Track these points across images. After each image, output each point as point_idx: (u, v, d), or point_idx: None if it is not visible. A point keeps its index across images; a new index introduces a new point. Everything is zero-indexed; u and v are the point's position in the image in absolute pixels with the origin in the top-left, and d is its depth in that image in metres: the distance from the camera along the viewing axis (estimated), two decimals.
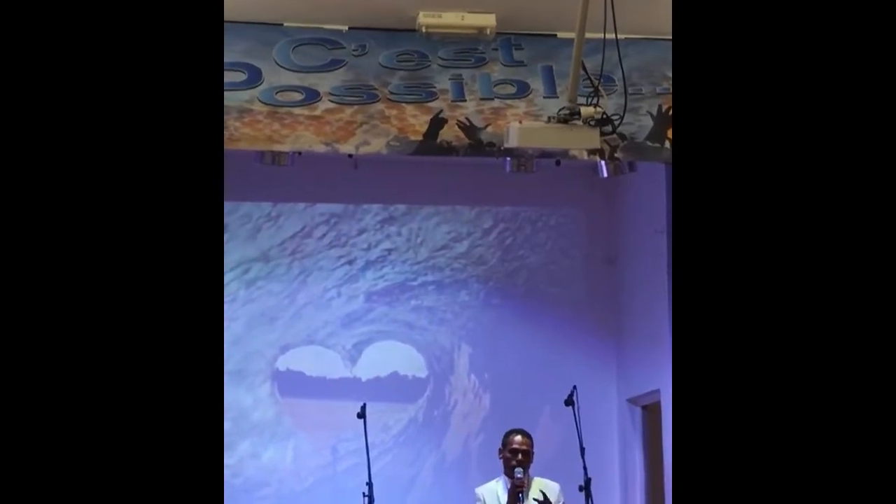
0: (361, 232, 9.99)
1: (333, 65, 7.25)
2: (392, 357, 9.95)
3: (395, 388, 9.90)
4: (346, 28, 7.27)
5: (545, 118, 6.72)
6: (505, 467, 7.90)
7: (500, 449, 7.97)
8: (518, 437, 7.90)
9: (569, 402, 7.68)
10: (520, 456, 7.82)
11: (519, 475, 7.74)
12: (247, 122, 7.14)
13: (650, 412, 9.65)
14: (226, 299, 9.44)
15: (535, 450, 7.92)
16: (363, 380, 9.88)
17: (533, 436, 7.97)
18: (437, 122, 7.28)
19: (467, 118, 7.31)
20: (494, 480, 7.98)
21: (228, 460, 9.32)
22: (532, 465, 7.88)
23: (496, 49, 7.36)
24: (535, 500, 7.72)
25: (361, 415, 8.02)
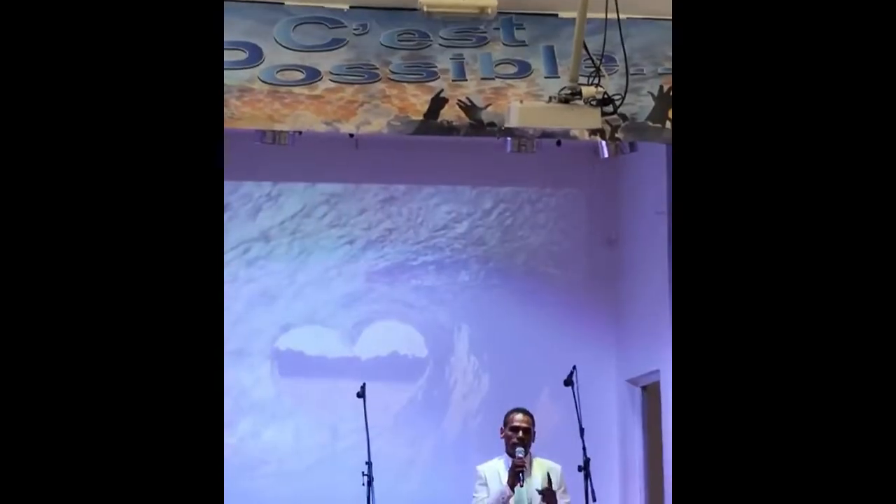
0: (362, 212, 9.97)
1: (334, 44, 7.23)
2: (392, 337, 9.94)
3: (395, 367, 9.90)
4: (346, 7, 7.25)
5: (546, 98, 6.70)
6: (507, 446, 7.90)
7: (501, 428, 7.97)
8: (518, 416, 7.91)
9: (568, 382, 7.69)
10: (520, 433, 7.82)
11: (520, 454, 7.75)
12: (247, 102, 7.13)
13: (650, 393, 9.65)
14: (226, 279, 9.43)
15: (534, 429, 7.92)
16: (363, 359, 9.88)
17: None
18: (438, 102, 7.27)
19: (468, 98, 7.29)
20: (496, 458, 7.98)
21: (229, 439, 9.31)
22: (532, 445, 7.89)
23: (497, 29, 7.34)
24: (538, 491, 7.73)
25: (361, 394, 8.03)
